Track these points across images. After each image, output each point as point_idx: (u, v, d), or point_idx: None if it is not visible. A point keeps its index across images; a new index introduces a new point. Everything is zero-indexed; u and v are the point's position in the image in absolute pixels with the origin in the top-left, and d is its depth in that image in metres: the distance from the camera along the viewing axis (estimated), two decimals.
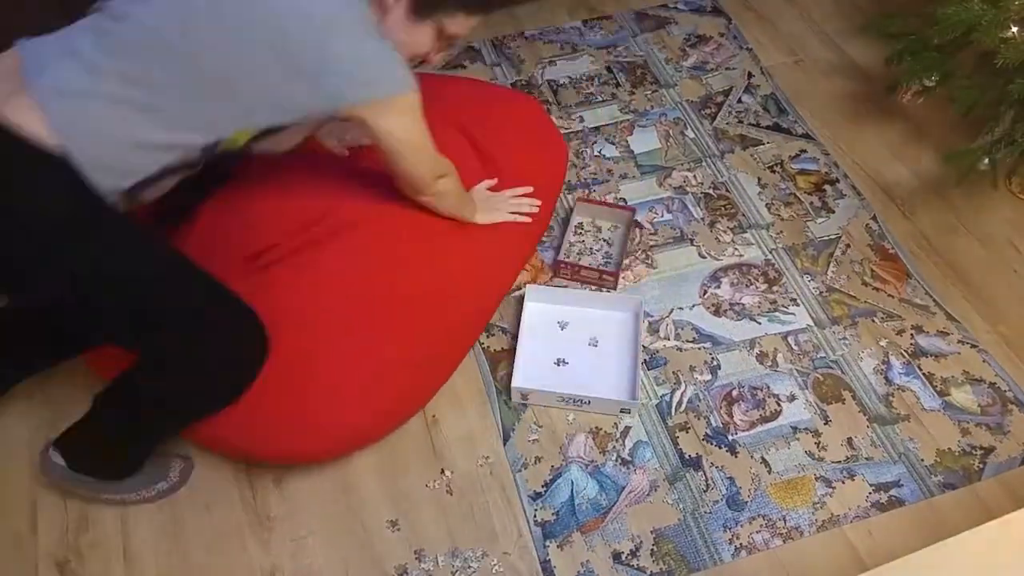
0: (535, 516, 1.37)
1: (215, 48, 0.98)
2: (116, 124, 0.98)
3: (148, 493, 1.34)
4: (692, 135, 1.95)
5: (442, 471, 1.41)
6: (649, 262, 1.70)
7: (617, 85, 2.05)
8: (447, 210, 1.39)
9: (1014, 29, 1.55)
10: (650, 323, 1.61)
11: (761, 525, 1.34)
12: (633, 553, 1.32)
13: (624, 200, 1.81)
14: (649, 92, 2.03)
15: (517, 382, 1.47)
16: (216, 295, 1.16)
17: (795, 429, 1.46)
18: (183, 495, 1.39)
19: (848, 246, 1.73)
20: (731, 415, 1.48)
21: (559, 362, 1.54)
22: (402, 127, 1.12)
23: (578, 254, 1.71)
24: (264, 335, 1.21)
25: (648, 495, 1.38)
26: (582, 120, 1.97)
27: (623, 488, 1.39)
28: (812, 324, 1.60)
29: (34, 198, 0.96)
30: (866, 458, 1.42)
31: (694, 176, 1.86)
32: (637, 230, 1.76)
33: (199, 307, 1.13)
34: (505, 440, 1.45)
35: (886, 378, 1.52)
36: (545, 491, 1.39)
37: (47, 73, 0.96)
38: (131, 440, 1.26)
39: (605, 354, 1.55)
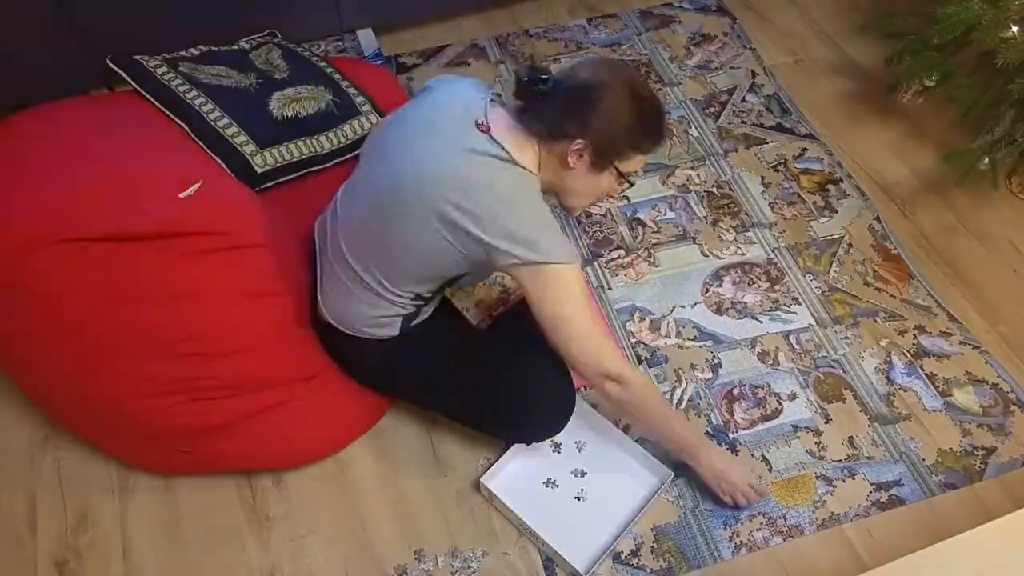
0: None
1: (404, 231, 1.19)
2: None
3: None
4: (696, 133, 1.95)
5: (442, 472, 1.41)
6: (651, 260, 1.70)
7: None
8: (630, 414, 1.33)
9: (1014, 29, 1.55)
10: (651, 321, 1.61)
11: (761, 523, 1.34)
12: (634, 552, 1.32)
13: (627, 197, 1.81)
14: (653, 90, 2.03)
15: (489, 481, 1.35)
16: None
17: (796, 428, 1.45)
18: (182, 495, 1.39)
19: (851, 246, 1.72)
20: (732, 413, 1.48)
21: (548, 483, 1.38)
22: (554, 298, 1.18)
23: None
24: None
25: None
26: None
27: None
28: (814, 323, 1.60)
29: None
30: (867, 457, 1.42)
31: (697, 174, 1.86)
32: (640, 228, 1.76)
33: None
34: None
35: (887, 378, 1.52)
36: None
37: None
38: None
39: (592, 504, 1.36)
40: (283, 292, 1.32)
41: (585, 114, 1.15)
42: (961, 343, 1.57)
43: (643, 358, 1.55)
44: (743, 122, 1.97)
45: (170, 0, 1.80)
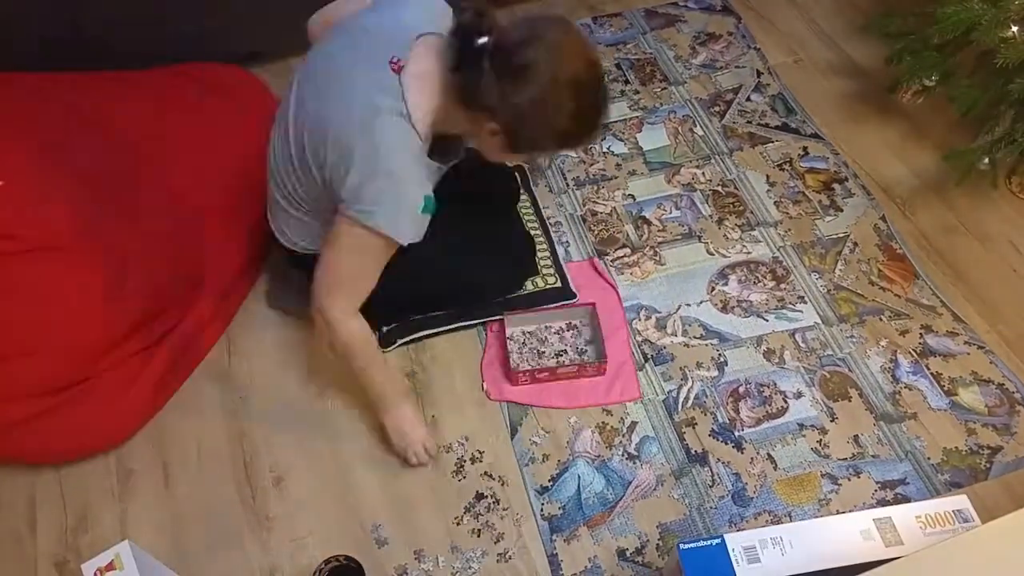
0: (542, 510, 1.36)
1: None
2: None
3: None
4: (701, 132, 1.94)
5: (442, 472, 1.41)
6: (657, 259, 1.70)
7: (626, 82, 2.05)
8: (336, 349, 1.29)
9: (1014, 29, 1.56)
10: (657, 319, 1.60)
11: (767, 521, 1.35)
12: (639, 550, 1.32)
13: (632, 196, 1.81)
14: (658, 89, 2.03)
15: None
16: None
17: (801, 426, 1.46)
18: (182, 495, 1.37)
19: (856, 245, 1.73)
20: (737, 411, 1.48)
21: None
22: (349, 247, 1.17)
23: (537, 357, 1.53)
24: None
25: (654, 490, 1.38)
26: None
27: (629, 483, 1.39)
28: (819, 322, 1.60)
29: None
30: (872, 455, 1.42)
31: (703, 173, 1.86)
32: (646, 226, 1.76)
33: None
34: (513, 434, 1.45)
35: (893, 376, 1.53)
36: (552, 485, 1.39)
37: None
38: None
39: None
40: (74, 295, 1.32)
41: (505, 100, 1.02)
42: (967, 343, 1.58)
43: (649, 356, 1.55)
44: (748, 121, 1.97)
45: (168, 8, 1.78)
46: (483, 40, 1.01)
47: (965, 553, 0.98)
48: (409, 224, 1.16)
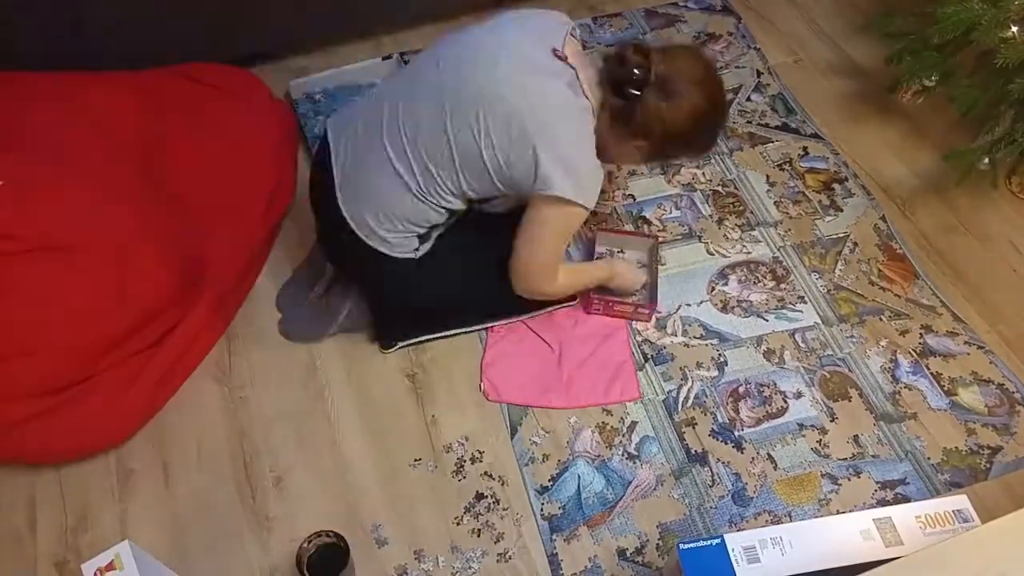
0: (542, 510, 1.36)
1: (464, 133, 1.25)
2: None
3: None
4: None
5: (443, 471, 1.41)
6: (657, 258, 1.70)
7: None
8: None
9: (1014, 29, 1.56)
10: (657, 319, 1.60)
11: (767, 521, 1.35)
12: (639, 550, 1.32)
13: (633, 196, 1.81)
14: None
15: None
16: None
17: (801, 426, 1.46)
18: (182, 495, 1.37)
19: (856, 245, 1.73)
20: (737, 411, 1.48)
21: None
22: (556, 227, 1.30)
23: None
24: None
25: (654, 490, 1.38)
26: None
27: (629, 483, 1.39)
28: (819, 322, 1.60)
29: None
30: (872, 455, 1.42)
31: (703, 173, 1.86)
32: (646, 226, 1.76)
33: None
34: (512, 434, 1.45)
35: (893, 376, 1.53)
36: (552, 485, 1.39)
37: None
38: None
39: None
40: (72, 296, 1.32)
41: (663, 122, 1.21)
42: (967, 343, 1.58)
43: (649, 356, 1.55)
44: (748, 121, 1.97)
45: (168, 7, 1.78)
46: (641, 73, 1.18)
47: (965, 553, 0.98)
48: (595, 193, 1.28)
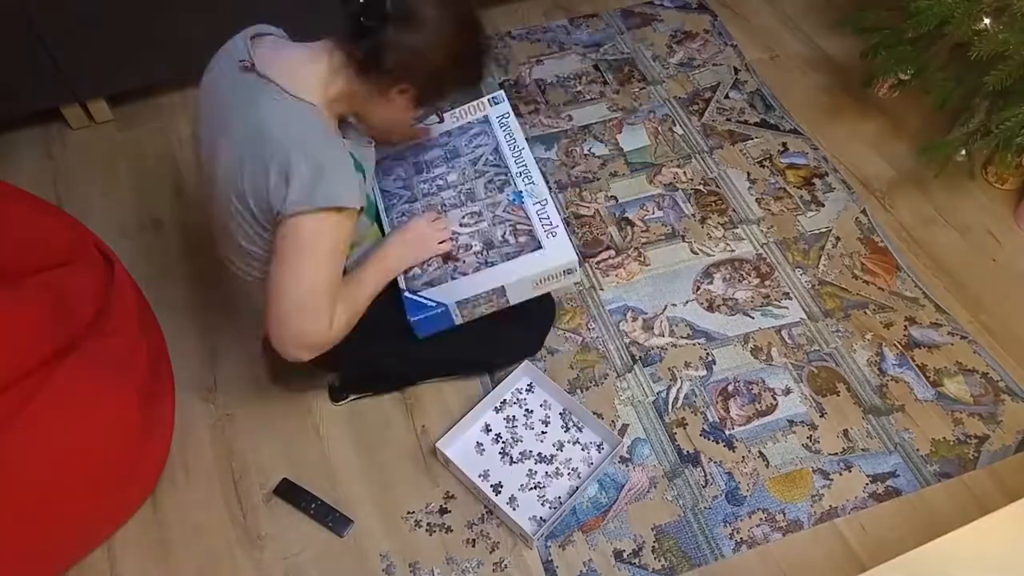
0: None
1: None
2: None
3: None
4: (681, 131, 1.95)
5: (434, 483, 1.40)
6: (641, 259, 1.70)
7: (605, 83, 2.05)
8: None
9: (987, 21, 1.58)
10: (644, 320, 1.60)
11: (761, 519, 1.35)
12: (635, 552, 1.31)
13: (615, 198, 1.81)
14: (637, 89, 2.04)
15: (446, 448, 1.39)
16: None
17: (791, 422, 1.46)
18: (172, 516, 1.35)
19: (838, 239, 1.74)
20: (727, 410, 1.48)
21: (503, 451, 1.41)
22: (304, 247, 1.07)
23: None
24: None
25: (648, 492, 1.38)
26: (571, 119, 1.97)
27: (623, 486, 1.39)
28: (805, 317, 1.61)
29: None
30: (862, 449, 1.43)
31: (684, 172, 1.86)
32: (629, 228, 1.76)
33: None
34: None
35: (879, 369, 1.54)
36: None
37: None
38: None
39: (544, 470, 1.40)
40: None
41: (413, 46, 1.04)
42: (950, 333, 1.59)
43: (637, 357, 1.55)
44: (727, 119, 1.98)
45: (140, 18, 1.75)
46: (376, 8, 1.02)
47: (962, 550, 0.98)
48: (351, 186, 1.08)
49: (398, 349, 1.31)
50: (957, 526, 1.00)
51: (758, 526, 1.34)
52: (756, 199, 1.81)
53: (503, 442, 1.43)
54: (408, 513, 1.36)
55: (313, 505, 1.36)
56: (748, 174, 1.86)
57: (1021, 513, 1.02)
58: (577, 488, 1.36)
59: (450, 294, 1.23)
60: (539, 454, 1.41)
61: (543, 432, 1.44)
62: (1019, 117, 1.55)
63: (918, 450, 1.43)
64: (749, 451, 1.43)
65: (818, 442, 1.44)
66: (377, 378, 1.49)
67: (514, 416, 1.46)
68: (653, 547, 1.32)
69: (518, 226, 1.28)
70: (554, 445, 1.42)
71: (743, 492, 1.38)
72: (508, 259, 1.25)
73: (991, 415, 1.48)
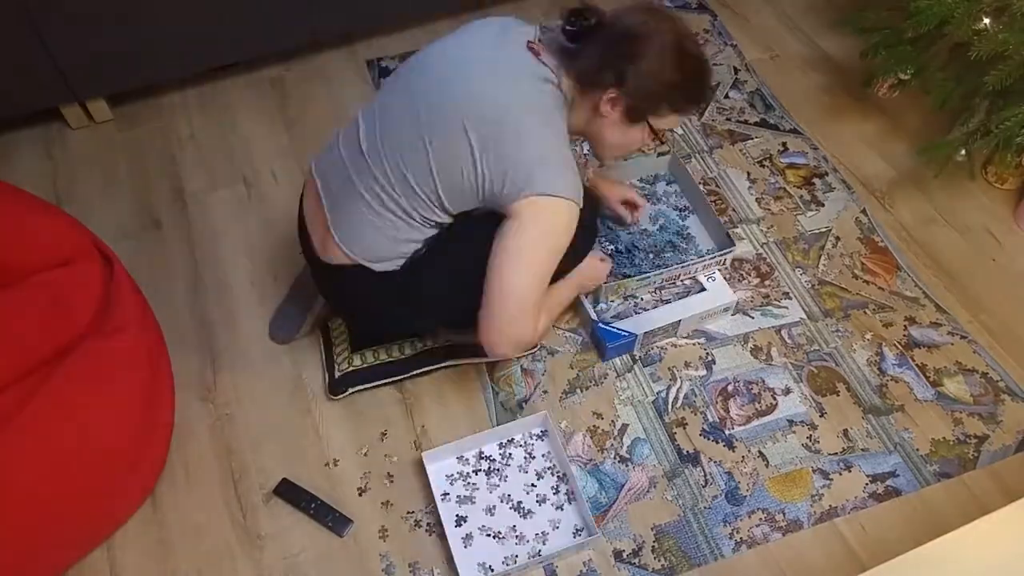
0: None
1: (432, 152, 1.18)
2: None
3: None
4: (680, 131, 1.95)
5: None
6: None
7: None
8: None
9: (986, 21, 1.58)
10: None
11: (761, 519, 1.35)
12: (635, 552, 1.31)
13: None
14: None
15: (430, 463, 1.37)
16: None
17: (791, 422, 1.46)
18: (171, 517, 1.35)
19: (838, 239, 1.74)
20: (727, 410, 1.48)
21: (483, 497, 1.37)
22: (539, 235, 1.18)
23: None
24: None
25: (647, 492, 1.38)
26: None
27: (622, 486, 1.39)
28: (805, 317, 1.61)
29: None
30: (862, 449, 1.43)
31: None
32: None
33: None
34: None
35: (879, 369, 1.54)
36: None
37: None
38: None
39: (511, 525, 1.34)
40: None
41: (624, 64, 1.13)
42: (950, 333, 1.59)
43: (637, 357, 1.55)
44: (727, 119, 1.98)
45: (140, 18, 1.75)
46: (592, 18, 1.15)
47: (961, 549, 0.98)
48: (579, 184, 1.18)
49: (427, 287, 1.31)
50: (957, 526, 1.01)
51: (758, 526, 1.34)
52: (756, 199, 1.81)
53: (489, 473, 1.38)
54: (408, 513, 1.36)
55: (313, 505, 1.35)
56: (748, 174, 1.86)
57: (1021, 513, 1.02)
58: (533, 558, 1.28)
59: (636, 326, 1.51)
60: (519, 503, 1.34)
61: (532, 485, 1.37)
62: (1019, 117, 1.55)
63: (918, 450, 1.43)
64: (749, 451, 1.42)
65: (818, 442, 1.44)
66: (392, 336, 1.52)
67: (511, 455, 1.40)
68: (653, 547, 1.32)
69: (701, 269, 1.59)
70: (537, 499, 1.35)
71: (743, 492, 1.38)
72: (679, 298, 1.58)
73: (991, 415, 1.48)
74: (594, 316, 1.53)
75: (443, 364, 1.51)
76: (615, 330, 1.50)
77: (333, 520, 1.34)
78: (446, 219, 1.24)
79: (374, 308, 1.35)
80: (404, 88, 1.24)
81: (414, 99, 1.20)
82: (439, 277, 1.27)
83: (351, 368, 1.49)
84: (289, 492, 1.37)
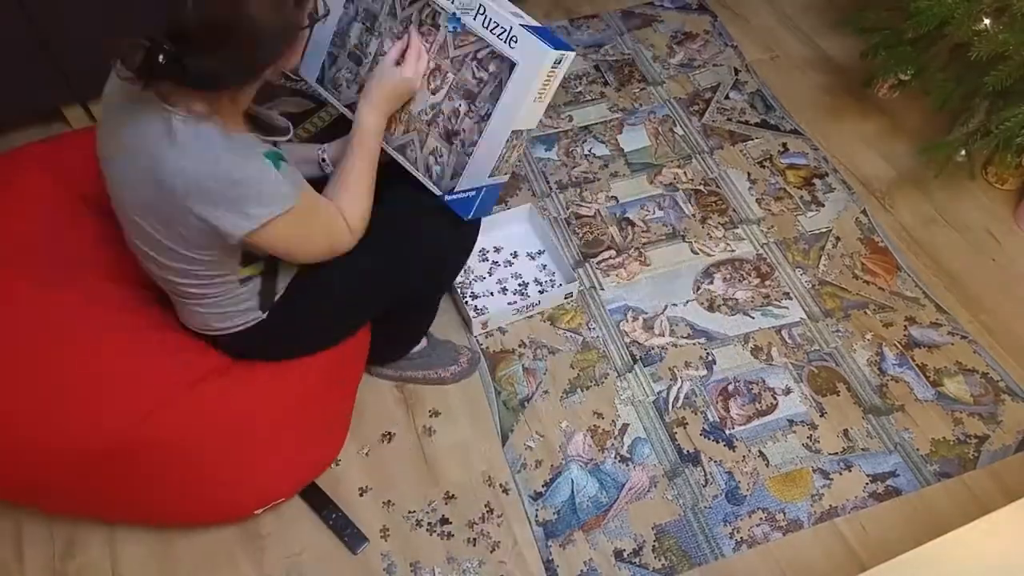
0: (536, 516, 1.36)
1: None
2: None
3: (446, 372, 1.51)
4: (681, 132, 1.95)
5: (435, 481, 1.40)
6: (642, 259, 1.70)
7: (605, 84, 2.05)
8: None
9: (986, 21, 1.58)
10: (644, 320, 1.61)
11: (761, 518, 1.35)
12: (636, 552, 1.32)
13: (616, 198, 1.81)
14: (637, 90, 2.04)
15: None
16: None
17: (791, 422, 1.46)
18: None
19: (838, 239, 1.74)
20: (728, 410, 1.48)
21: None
22: (292, 235, 1.07)
23: None
24: None
25: (648, 491, 1.38)
26: (571, 119, 1.97)
27: (623, 485, 1.39)
28: (805, 317, 1.61)
29: None
30: (862, 449, 1.43)
31: (684, 173, 1.86)
32: (630, 228, 1.76)
33: None
34: (504, 441, 1.44)
35: (880, 369, 1.54)
36: (546, 491, 1.38)
37: None
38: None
39: None
40: None
41: (248, 54, 0.95)
42: (950, 333, 1.59)
43: (637, 357, 1.55)
44: (728, 119, 1.98)
45: (141, 18, 1.75)
46: (164, 50, 0.95)
47: (960, 549, 0.98)
48: (283, 186, 1.02)
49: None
50: (957, 526, 1.00)
51: (758, 525, 1.34)
52: (756, 199, 1.82)
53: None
54: (408, 513, 1.37)
55: (333, 516, 1.35)
56: (748, 174, 1.86)
57: (1021, 513, 1.02)
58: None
59: (478, 173, 1.14)
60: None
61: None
62: (1019, 117, 1.55)
63: (918, 450, 1.43)
64: (749, 451, 1.43)
65: (818, 442, 1.44)
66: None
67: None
68: (653, 546, 1.32)
69: (479, 54, 1.10)
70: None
71: (743, 492, 1.38)
72: (495, 99, 1.10)
73: (991, 415, 1.48)
74: (437, 191, 1.19)
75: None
76: (460, 195, 1.17)
77: (350, 535, 1.33)
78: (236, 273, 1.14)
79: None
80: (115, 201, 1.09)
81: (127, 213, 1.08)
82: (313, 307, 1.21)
83: None
84: (315, 498, 1.36)
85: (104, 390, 1.13)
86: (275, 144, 1.10)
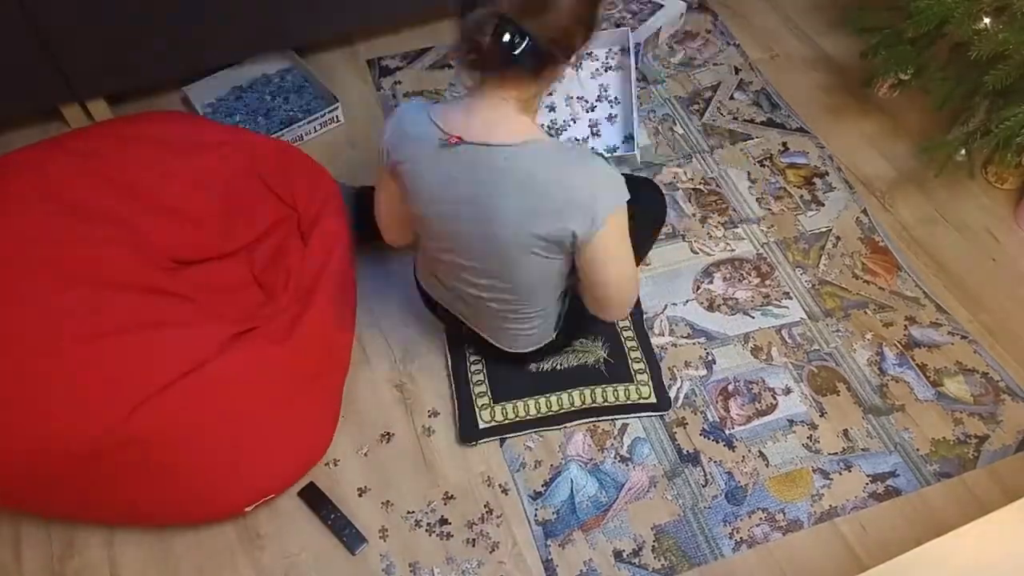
0: (536, 516, 1.35)
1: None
2: None
3: None
4: (681, 131, 1.95)
5: (435, 482, 1.40)
6: (642, 259, 1.70)
7: None
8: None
9: (986, 21, 1.58)
10: (644, 320, 1.60)
11: (761, 518, 1.35)
12: (635, 552, 1.31)
13: None
14: (637, 89, 2.03)
15: None
16: None
17: (791, 422, 1.46)
18: None
19: (839, 239, 1.74)
20: (728, 410, 1.48)
21: None
22: (618, 247, 1.16)
23: None
24: None
25: (648, 491, 1.38)
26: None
27: (622, 485, 1.39)
28: (805, 317, 1.61)
29: None
30: (862, 449, 1.43)
31: (684, 172, 1.86)
32: None
33: None
34: (503, 441, 1.44)
35: (880, 369, 1.54)
36: (545, 490, 1.38)
37: None
38: None
39: None
40: None
41: (562, 43, 1.01)
42: (950, 333, 1.59)
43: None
44: (734, 118, 1.97)
45: (140, 18, 1.75)
46: (517, 33, 0.98)
47: (961, 549, 0.98)
48: (621, 180, 1.11)
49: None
50: (957, 526, 1.00)
51: (758, 526, 1.34)
52: (756, 199, 1.81)
53: None
54: (408, 513, 1.36)
55: (332, 516, 1.35)
56: (748, 174, 1.86)
57: (1021, 513, 1.02)
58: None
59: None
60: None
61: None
62: (1019, 117, 1.55)
63: (918, 450, 1.43)
64: (749, 451, 1.43)
65: (818, 442, 1.44)
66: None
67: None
68: (653, 547, 1.32)
69: None
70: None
71: (743, 492, 1.38)
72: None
73: (991, 415, 1.48)
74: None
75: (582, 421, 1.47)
76: None
77: (349, 536, 1.33)
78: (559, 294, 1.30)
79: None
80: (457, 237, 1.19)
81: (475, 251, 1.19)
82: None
83: (494, 422, 1.44)
84: (313, 498, 1.37)
85: (84, 392, 1.13)
86: None
